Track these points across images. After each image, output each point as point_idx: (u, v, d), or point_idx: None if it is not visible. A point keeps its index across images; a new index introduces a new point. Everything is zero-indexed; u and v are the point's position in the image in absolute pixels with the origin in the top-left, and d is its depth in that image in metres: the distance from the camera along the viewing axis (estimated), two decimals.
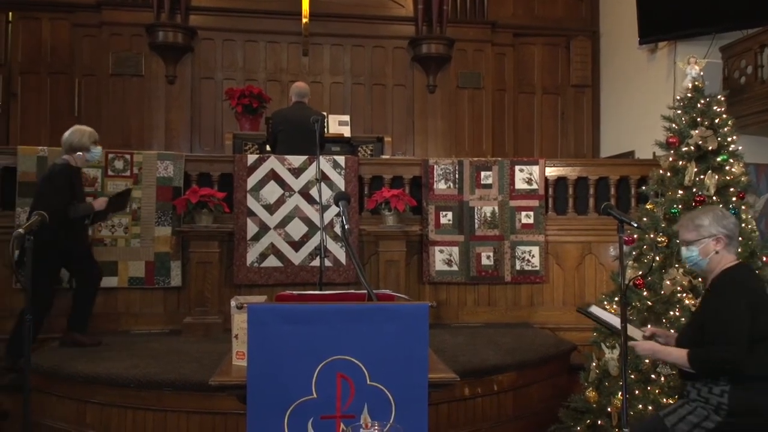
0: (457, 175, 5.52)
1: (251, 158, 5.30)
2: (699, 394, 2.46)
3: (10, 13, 7.35)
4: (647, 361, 3.41)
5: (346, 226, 2.61)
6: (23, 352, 4.30)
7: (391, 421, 2.20)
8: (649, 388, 3.38)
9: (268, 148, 6.13)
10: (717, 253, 2.55)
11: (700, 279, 3.36)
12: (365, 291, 2.46)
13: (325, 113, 6.54)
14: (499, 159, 5.72)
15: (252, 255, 5.15)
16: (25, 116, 7.64)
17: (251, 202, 5.18)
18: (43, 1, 7.64)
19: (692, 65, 3.57)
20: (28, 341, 2.14)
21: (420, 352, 2.25)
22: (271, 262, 5.15)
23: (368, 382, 2.22)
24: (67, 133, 4.63)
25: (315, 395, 2.21)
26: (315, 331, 2.21)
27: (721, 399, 2.39)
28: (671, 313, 3.37)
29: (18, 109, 7.62)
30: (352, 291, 2.50)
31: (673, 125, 3.68)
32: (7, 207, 5.03)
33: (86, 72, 7.79)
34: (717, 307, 2.45)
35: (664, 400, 3.27)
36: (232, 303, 2.49)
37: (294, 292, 2.51)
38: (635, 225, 2.36)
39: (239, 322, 2.46)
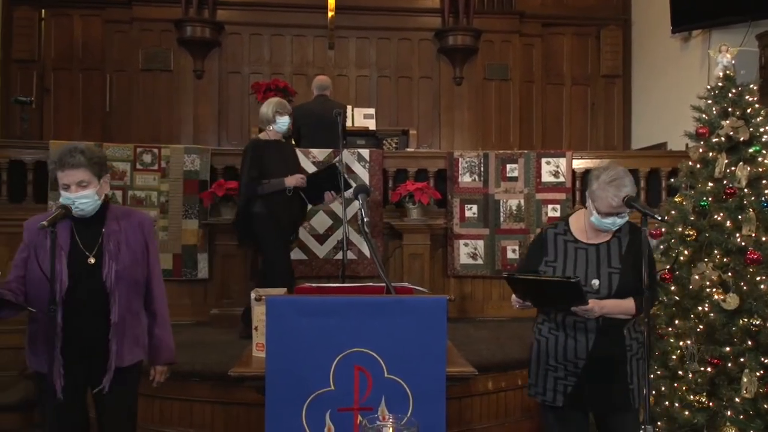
0: (482, 168, 5.47)
1: None
2: (632, 334, 2.57)
3: (43, 11, 7.49)
4: (674, 357, 3.35)
5: (365, 219, 2.61)
6: None
7: (408, 414, 2.20)
8: (675, 384, 3.31)
9: (293, 142, 6.15)
10: None
11: (729, 274, 3.27)
12: (384, 284, 2.46)
13: (348, 105, 6.53)
14: (525, 151, 5.65)
15: None
16: (57, 112, 7.81)
17: None
18: None
19: (723, 53, 3.46)
20: (55, 332, 2.17)
21: (438, 345, 2.24)
22: (296, 254, 5.16)
23: (386, 374, 2.23)
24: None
25: (333, 387, 2.22)
26: (333, 323, 2.21)
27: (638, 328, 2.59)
28: (699, 308, 3.28)
29: (51, 105, 7.79)
30: (371, 284, 2.50)
31: (703, 115, 3.58)
32: (41, 200, 5.14)
33: (117, 68, 7.92)
34: (650, 253, 2.52)
35: (692, 396, 3.20)
36: (252, 295, 2.52)
37: (313, 284, 2.52)
38: (659, 218, 2.31)
39: (258, 314, 2.48)
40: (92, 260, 2.36)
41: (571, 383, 2.57)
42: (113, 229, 2.42)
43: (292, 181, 4.28)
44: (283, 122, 4.39)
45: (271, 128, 4.41)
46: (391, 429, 1.83)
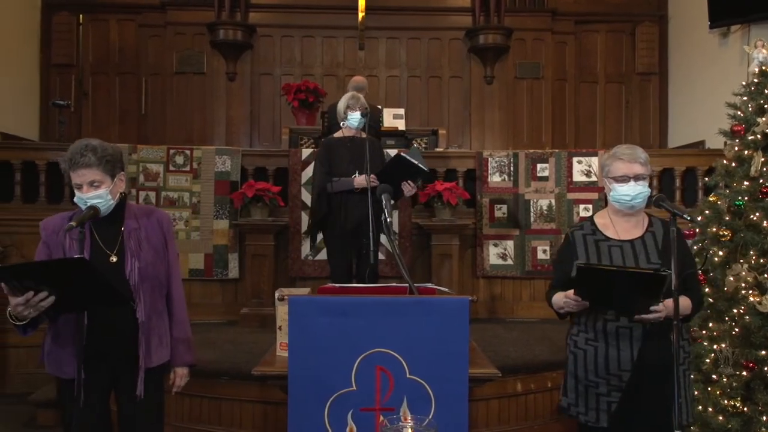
0: (511, 168, 5.42)
1: (306, 152, 5.37)
2: (683, 338, 2.42)
3: (81, 16, 7.67)
4: (708, 360, 3.26)
5: (388, 219, 2.60)
6: None
7: (430, 416, 2.19)
8: (709, 389, 3.22)
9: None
10: None
11: (766, 275, 3.17)
12: (407, 284, 2.45)
13: (380, 106, 6.53)
14: (556, 151, 5.58)
15: (306, 248, 5.22)
16: (95, 115, 8.00)
17: (305, 196, 5.24)
18: (111, 3, 7.97)
19: (759, 49, 3.36)
20: (81, 330, 2.20)
21: (460, 346, 2.23)
22: (325, 254, 5.18)
23: (407, 375, 2.22)
24: None
25: (354, 387, 2.22)
26: (354, 323, 2.21)
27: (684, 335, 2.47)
28: (734, 310, 3.19)
29: (89, 108, 7.98)
30: (394, 284, 2.49)
31: (739, 113, 3.48)
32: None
33: (152, 71, 8.06)
34: (690, 252, 2.45)
35: (726, 401, 3.11)
36: (276, 295, 2.53)
37: (336, 284, 2.53)
38: (688, 218, 2.24)
39: (282, 313, 2.49)
40: (114, 258, 2.30)
41: (616, 399, 2.35)
42: (133, 227, 2.36)
43: (360, 180, 4.06)
44: (354, 118, 4.17)
45: (344, 124, 4.25)
46: (410, 430, 1.83)
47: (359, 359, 2.22)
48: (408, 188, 4.10)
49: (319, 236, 4.53)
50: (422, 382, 2.22)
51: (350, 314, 2.22)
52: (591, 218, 2.56)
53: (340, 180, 4.12)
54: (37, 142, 6.93)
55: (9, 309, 2.08)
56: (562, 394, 2.53)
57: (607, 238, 2.44)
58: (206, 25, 7.83)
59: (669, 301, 2.19)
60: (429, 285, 2.49)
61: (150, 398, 2.37)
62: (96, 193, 2.25)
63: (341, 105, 4.24)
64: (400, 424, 1.88)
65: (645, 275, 2.17)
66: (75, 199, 2.29)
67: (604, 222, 2.49)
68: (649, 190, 2.39)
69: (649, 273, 2.16)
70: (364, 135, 4.30)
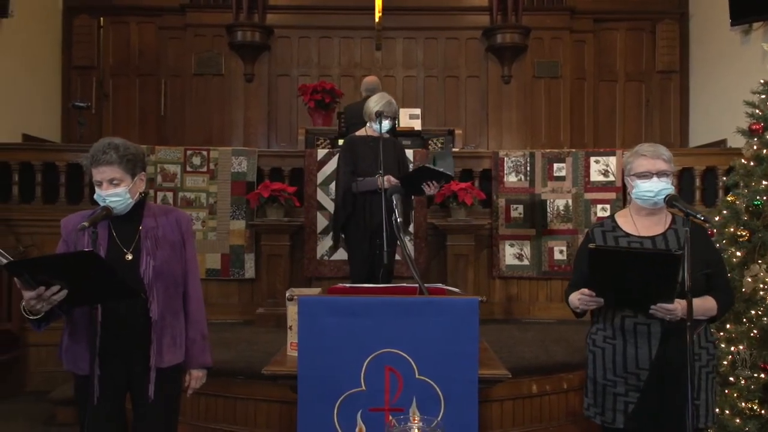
0: (528, 168, 5.39)
1: (321, 153, 5.39)
2: (702, 342, 2.39)
3: (101, 19, 7.78)
4: (725, 362, 3.21)
5: (399, 220, 2.60)
6: None
7: (439, 417, 2.18)
8: (726, 391, 3.17)
9: (340, 142, 6.18)
10: None
11: None
12: (417, 284, 2.45)
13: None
14: (573, 150, 5.54)
15: (322, 248, 5.24)
16: (116, 116, 8.09)
17: (321, 196, 5.26)
18: (130, 6, 8.07)
19: None
20: (95, 325, 2.22)
21: (469, 346, 2.22)
22: (341, 255, 5.19)
23: (417, 375, 2.22)
24: None
25: (364, 387, 2.23)
26: (363, 323, 2.22)
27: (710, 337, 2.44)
28: (752, 312, 3.14)
29: (110, 110, 8.09)
30: (404, 284, 2.49)
31: (757, 111, 3.42)
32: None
33: (171, 73, 8.14)
34: (717, 251, 2.43)
35: (743, 403, 3.06)
36: (286, 295, 2.55)
37: (347, 284, 2.53)
38: (701, 218, 2.20)
39: (292, 313, 2.51)
40: (129, 256, 2.30)
41: (633, 400, 2.32)
42: (150, 226, 2.36)
43: (381, 181, 3.94)
44: (385, 126, 4.13)
45: (369, 125, 4.21)
46: (417, 430, 1.82)
47: (368, 359, 2.22)
48: (429, 188, 4.04)
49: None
50: (431, 382, 2.22)
51: (359, 314, 2.22)
52: (612, 216, 2.54)
53: (364, 180, 4.09)
54: (57, 144, 7.03)
55: (23, 303, 2.11)
56: (584, 395, 2.51)
57: (628, 235, 2.42)
58: (225, 26, 7.88)
59: (681, 300, 2.15)
60: (439, 285, 2.49)
61: (162, 398, 2.36)
62: (115, 191, 2.25)
63: (375, 108, 4.14)
64: (408, 424, 1.88)
65: (657, 255, 2.15)
66: (95, 197, 2.30)
67: (626, 219, 2.47)
68: (672, 187, 2.34)
69: (661, 253, 2.15)
70: (386, 135, 4.30)
